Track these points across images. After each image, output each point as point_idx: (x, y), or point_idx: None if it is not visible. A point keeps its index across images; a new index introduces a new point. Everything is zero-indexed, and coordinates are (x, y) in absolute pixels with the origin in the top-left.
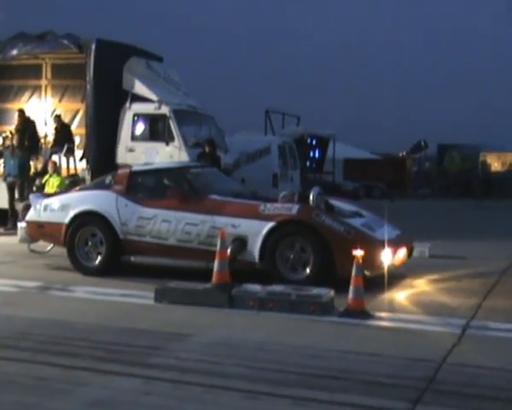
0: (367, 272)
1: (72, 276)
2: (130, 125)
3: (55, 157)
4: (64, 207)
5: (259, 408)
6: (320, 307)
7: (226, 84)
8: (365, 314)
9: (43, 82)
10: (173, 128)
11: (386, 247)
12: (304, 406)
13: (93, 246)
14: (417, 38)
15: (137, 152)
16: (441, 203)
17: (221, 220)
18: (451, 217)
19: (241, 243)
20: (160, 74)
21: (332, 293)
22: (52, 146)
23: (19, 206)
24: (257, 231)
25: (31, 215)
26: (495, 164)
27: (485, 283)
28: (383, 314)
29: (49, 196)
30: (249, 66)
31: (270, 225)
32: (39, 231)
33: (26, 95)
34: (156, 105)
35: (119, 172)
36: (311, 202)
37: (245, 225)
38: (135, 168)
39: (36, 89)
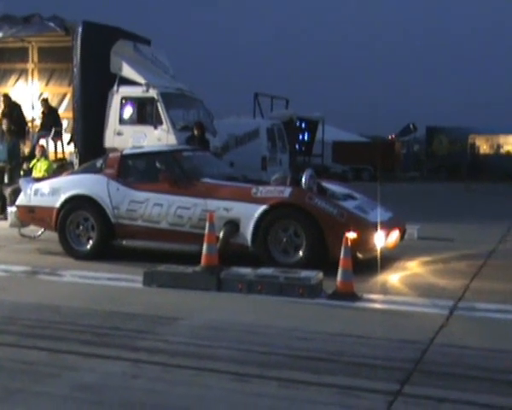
0: (360, 255)
1: (61, 260)
2: (118, 108)
3: (42, 141)
4: (55, 192)
5: (248, 390)
6: (308, 289)
7: (214, 67)
8: (354, 296)
9: (30, 65)
10: (161, 111)
11: (378, 229)
12: (292, 388)
13: (84, 230)
14: (406, 20)
15: (125, 136)
16: (430, 186)
17: (213, 204)
18: (440, 199)
19: (233, 226)
20: (147, 57)
21: (320, 275)
22: (39, 130)
23: (7, 191)
24: (249, 215)
25: (21, 200)
26: (484, 147)
27: (473, 264)
28: (372, 296)
29: (39, 180)
30: (238, 49)
31: (262, 208)
32: (30, 215)
33: (13, 78)
34: (144, 88)
35: (110, 155)
36: (303, 184)
37: (237, 209)
38: (126, 152)
39: (22, 72)
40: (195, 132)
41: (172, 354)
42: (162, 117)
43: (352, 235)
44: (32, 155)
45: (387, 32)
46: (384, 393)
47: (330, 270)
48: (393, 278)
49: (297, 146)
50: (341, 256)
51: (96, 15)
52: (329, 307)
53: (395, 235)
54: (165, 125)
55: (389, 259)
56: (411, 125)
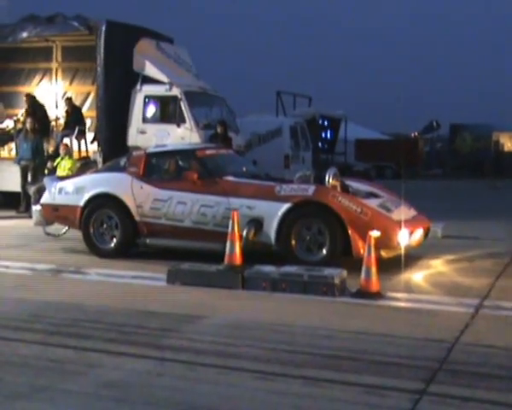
0: (383, 253)
1: (86, 258)
2: (141, 107)
3: (66, 140)
4: (79, 190)
5: (272, 389)
6: (332, 287)
7: (237, 65)
8: (378, 295)
9: (54, 65)
10: (184, 110)
11: (402, 227)
12: (316, 386)
13: (108, 228)
14: (429, 15)
15: (149, 134)
16: (453, 183)
17: (236, 202)
18: (463, 197)
19: (256, 224)
20: (170, 56)
21: (344, 273)
22: (63, 129)
23: (31, 189)
24: (273, 213)
25: (46, 198)
26: (508, 144)
27: (498, 263)
28: (396, 295)
29: (63, 178)
30: (261, 48)
31: (286, 206)
32: (54, 213)
33: (37, 78)
34: (167, 87)
35: (134, 154)
36: (326, 182)
37: (261, 207)
38: (150, 150)
39: (46, 72)
40: (218, 130)
41: (197, 352)
42: (185, 115)
43: (375, 233)
44: (56, 154)
45: (410, 27)
46: (409, 392)
47: (354, 268)
48: (418, 276)
49: (320, 144)
50: (365, 254)
51: (115, 13)
52: (353, 306)
53: (419, 233)
54: (189, 124)
55: (413, 257)
56: (434, 123)
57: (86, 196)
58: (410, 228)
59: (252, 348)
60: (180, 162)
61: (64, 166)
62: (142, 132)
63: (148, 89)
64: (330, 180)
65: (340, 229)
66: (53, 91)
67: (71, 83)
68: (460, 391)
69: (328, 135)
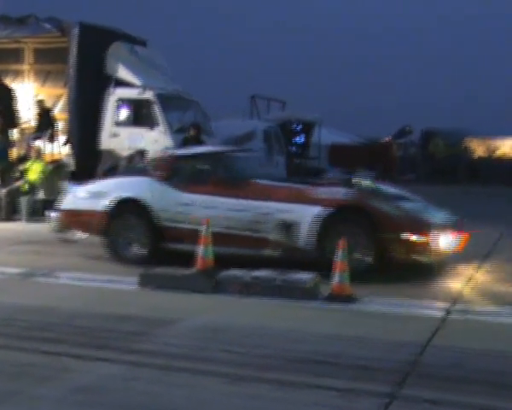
0: (424, 258)
1: (58, 262)
2: (114, 110)
3: (37, 142)
4: (101, 195)
5: (246, 392)
6: (304, 291)
7: (211, 69)
8: (349, 298)
9: (25, 66)
10: (158, 113)
11: (438, 231)
12: (288, 390)
13: (132, 234)
14: (401, 21)
15: (121, 137)
16: (427, 188)
17: (268, 205)
18: (438, 202)
19: (288, 228)
20: (143, 59)
21: (317, 278)
22: (35, 131)
23: (1, 192)
24: (306, 216)
25: (66, 203)
26: (480, 150)
27: (468, 267)
28: (369, 298)
29: (84, 183)
30: (234, 52)
31: (320, 209)
32: (74, 219)
33: (8, 79)
34: (140, 90)
35: (158, 157)
36: (358, 185)
37: (293, 210)
38: (175, 153)
39: (18, 73)
40: (191, 133)
41: (170, 356)
42: (158, 118)
43: (410, 237)
44: (26, 157)
45: (385, 32)
46: (380, 395)
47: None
48: (391, 280)
49: (293, 148)
50: (337, 259)
51: (90, 14)
52: (325, 310)
53: (451, 237)
54: (162, 127)
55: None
56: (407, 128)
57: (109, 201)
58: (443, 231)
59: (225, 353)
60: (206, 165)
61: (35, 169)
62: (115, 135)
63: (121, 92)
64: (362, 183)
65: (376, 232)
66: (24, 93)
67: (42, 85)
68: (431, 394)
69: (302, 139)
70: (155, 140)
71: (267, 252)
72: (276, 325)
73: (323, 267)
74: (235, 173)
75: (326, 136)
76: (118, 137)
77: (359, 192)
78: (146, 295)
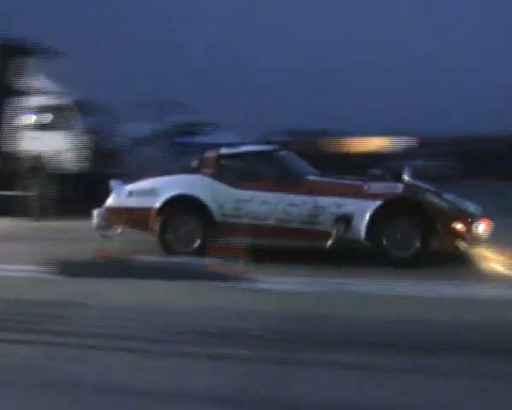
0: (464, 245)
1: None
2: (19, 115)
3: None
4: (152, 192)
5: (154, 366)
6: (204, 273)
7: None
8: (240, 278)
9: None
10: (66, 117)
11: (479, 220)
12: (185, 360)
13: (187, 231)
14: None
15: (26, 140)
16: None
17: (324, 200)
18: None
19: (345, 222)
20: (52, 66)
21: (205, 262)
22: None
23: None
24: (363, 210)
25: (113, 201)
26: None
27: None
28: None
29: (132, 181)
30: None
31: (376, 203)
32: (124, 216)
33: None
34: (47, 96)
35: (207, 155)
36: (403, 180)
37: (350, 205)
38: (223, 151)
39: None
40: (94, 136)
41: (84, 335)
42: (65, 122)
43: (457, 226)
44: None
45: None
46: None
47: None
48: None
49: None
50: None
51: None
52: (218, 288)
53: (488, 225)
54: (69, 131)
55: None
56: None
57: (162, 198)
58: (482, 221)
59: (136, 330)
60: (256, 162)
61: None
62: (21, 139)
63: (28, 98)
64: (406, 178)
65: (429, 224)
66: None
67: None
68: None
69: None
70: (60, 143)
71: (323, 243)
72: (170, 303)
73: (380, 257)
74: (287, 170)
75: (225, 138)
76: (23, 140)
77: (411, 186)
78: (59, 282)
